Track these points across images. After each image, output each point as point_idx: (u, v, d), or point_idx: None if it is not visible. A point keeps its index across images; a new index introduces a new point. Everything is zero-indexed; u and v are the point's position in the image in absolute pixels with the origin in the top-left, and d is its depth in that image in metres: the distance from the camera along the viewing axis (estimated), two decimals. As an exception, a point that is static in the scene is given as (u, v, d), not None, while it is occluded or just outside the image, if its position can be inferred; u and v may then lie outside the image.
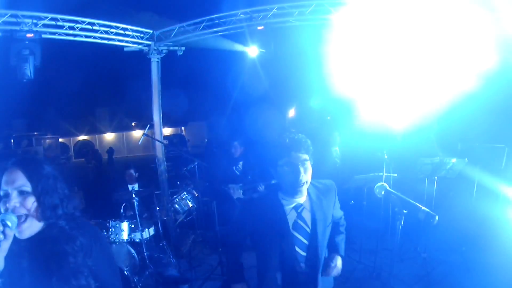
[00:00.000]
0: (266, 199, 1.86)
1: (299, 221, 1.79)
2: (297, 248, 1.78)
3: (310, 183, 1.81)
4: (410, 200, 1.51)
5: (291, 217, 1.79)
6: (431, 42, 4.80)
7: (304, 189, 1.75)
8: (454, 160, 4.29)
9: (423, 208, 1.45)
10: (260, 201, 1.90)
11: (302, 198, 1.81)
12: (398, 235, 1.60)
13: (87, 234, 1.39)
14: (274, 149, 1.77)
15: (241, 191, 4.97)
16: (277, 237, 1.76)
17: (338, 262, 1.90)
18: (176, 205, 4.99)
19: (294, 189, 1.74)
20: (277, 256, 1.78)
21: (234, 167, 5.04)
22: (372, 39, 5.05)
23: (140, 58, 6.09)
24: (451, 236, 5.19)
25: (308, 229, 1.79)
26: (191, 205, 5.05)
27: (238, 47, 5.72)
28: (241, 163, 5.04)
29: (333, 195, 1.92)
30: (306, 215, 1.81)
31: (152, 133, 6.07)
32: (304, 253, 1.79)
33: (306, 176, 1.72)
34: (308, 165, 1.73)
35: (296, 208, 1.80)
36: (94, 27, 5.41)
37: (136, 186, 5.16)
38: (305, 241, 1.78)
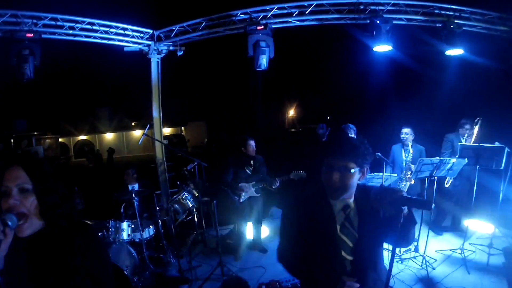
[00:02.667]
0: (315, 197, 1.76)
1: (347, 224, 1.71)
2: (343, 253, 1.69)
3: (359, 185, 1.74)
4: (408, 195, 1.50)
5: (339, 219, 1.72)
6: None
7: (338, 195, 1.67)
8: (454, 160, 4.29)
9: (417, 198, 1.44)
10: (309, 199, 1.79)
11: (351, 199, 1.73)
12: (398, 235, 1.59)
13: (84, 234, 1.39)
14: (325, 147, 1.74)
15: (253, 189, 4.97)
16: (324, 239, 1.69)
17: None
18: (176, 205, 4.99)
19: (328, 192, 1.69)
20: (323, 258, 1.70)
21: (245, 167, 5.03)
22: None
23: (140, 58, 6.10)
24: (450, 236, 5.20)
25: (355, 233, 1.71)
26: (191, 205, 5.04)
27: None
28: (252, 161, 5.03)
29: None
30: (354, 217, 1.72)
31: (152, 133, 6.07)
32: (350, 258, 1.70)
33: (342, 184, 1.63)
34: (349, 174, 1.62)
35: (344, 209, 1.73)
36: (94, 27, 5.41)
37: (136, 186, 5.17)
38: (351, 245, 1.70)
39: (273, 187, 4.94)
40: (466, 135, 5.02)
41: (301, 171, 4.80)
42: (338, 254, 1.68)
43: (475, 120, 4.91)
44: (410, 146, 4.99)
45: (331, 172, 1.63)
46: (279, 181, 4.92)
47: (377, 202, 1.54)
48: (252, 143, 5.01)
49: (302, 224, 1.75)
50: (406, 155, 5.00)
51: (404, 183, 4.84)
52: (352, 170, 1.62)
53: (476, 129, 4.87)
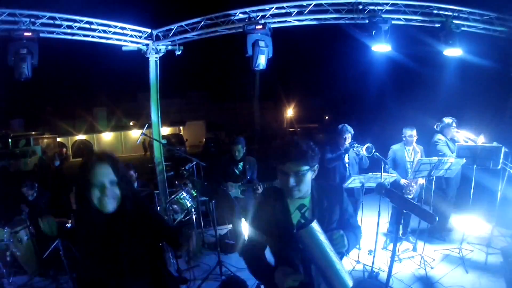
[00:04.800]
0: (276, 197, 1.89)
1: (302, 221, 1.80)
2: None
3: (317, 183, 1.89)
4: (410, 200, 1.51)
5: (295, 217, 1.83)
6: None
7: (296, 194, 1.80)
8: (452, 159, 4.30)
9: (423, 208, 1.45)
10: (270, 198, 1.92)
11: (306, 199, 1.86)
12: (397, 235, 1.60)
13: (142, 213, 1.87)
14: (276, 153, 1.82)
15: (239, 190, 4.97)
16: (281, 237, 1.81)
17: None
18: (175, 205, 4.98)
19: (287, 193, 1.83)
20: (281, 251, 1.83)
21: (234, 168, 5.03)
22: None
23: (138, 58, 6.08)
24: (449, 236, 5.22)
25: None
26: (189, 204, 5.04)
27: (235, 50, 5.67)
28: (241, 163, 5.03)
29: (339, 195, 1.95)
30: (309, 216, 1.83)
31: (150, 133, 6.06)
32: None
33: (298, 186, 1.77)
34: (302, 176, 1.77)
35: (300, 208, 1.84)
36: (92, 26, 5.40)
37: (135, 186, 5.15)
38: None
39: (257, 191, 4.93)
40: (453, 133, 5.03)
41: None
42: (294, 249, 1.77)
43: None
44: (412, 148, 4.97)
45: (286, 177, 1.77)
46: (262, 187, 4.92)
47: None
48: (239, 148, 4.98)
49: (264, 221, 1.89)
50: (410, 156, 4.98)
51: (414, 186, 4.84)
52: (304, 172, 1.77)
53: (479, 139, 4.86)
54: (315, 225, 1.56)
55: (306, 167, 1.77)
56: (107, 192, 1.60)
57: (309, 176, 1.81)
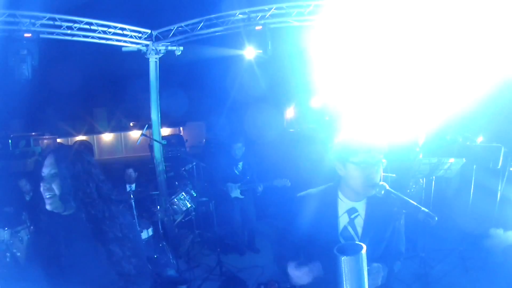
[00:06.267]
0: (324, 195, 1.69)
1: (349, 228, 1.63)
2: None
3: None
4: (410, 200, 1.50)
5: (342, 221, 1.64)
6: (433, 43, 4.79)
7: (375, 188, 1.56)
8: (452, 160, 4.30)
9: (422, 208, 1.44)
10: (317, 196, 1.70)
11: (360, 203, 1.64)
12: (397, 235, 1.59)
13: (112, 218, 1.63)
14: (348, 144, 1.58)
15: (239, 191, 4.98)
16: (323, 239, 1.61)
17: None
18: (175, 206, 4.99)
19: (360, 191, 1.59)
20: (320, 259, 1.61)
21: (234, 168, 5.04)
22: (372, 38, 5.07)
23: (138, 58, 6.09)
24: (449, 236, 5.21)
25: (356, 239, 1.60)
26: (189, 205, 5.04)
27: (235, 50, 5.67)
28: (241, 163, 5.04)
29: (399, 211, 1.61)
30: (359, 223, 1.64)
31: (150, 134, 6.06)
32: None
33: (377, 179, 1.56)
34: (378, 167, 1.56)
35: (350, 212, 1.64)
36: (92, 27, 5.40)
37: (133, 186, 5.15)
38: None
39: (257, 191, 4.95)
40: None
41: (285, 179, 4.80)
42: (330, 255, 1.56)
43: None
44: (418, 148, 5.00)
45: (365, 168, 1.54)
46: (263, 186, 4.94)
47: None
48: (239, 146, 5.00)
49: (306, 217, 1.68)
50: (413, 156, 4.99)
51: (414, 186, 4.85)
52: (380, 162, 1.56)
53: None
54: (363, 254, 1.32)
55: (381, 156, 1.56)
56: (43, 186, 1.46)
57: (382, 169, 1.59)
